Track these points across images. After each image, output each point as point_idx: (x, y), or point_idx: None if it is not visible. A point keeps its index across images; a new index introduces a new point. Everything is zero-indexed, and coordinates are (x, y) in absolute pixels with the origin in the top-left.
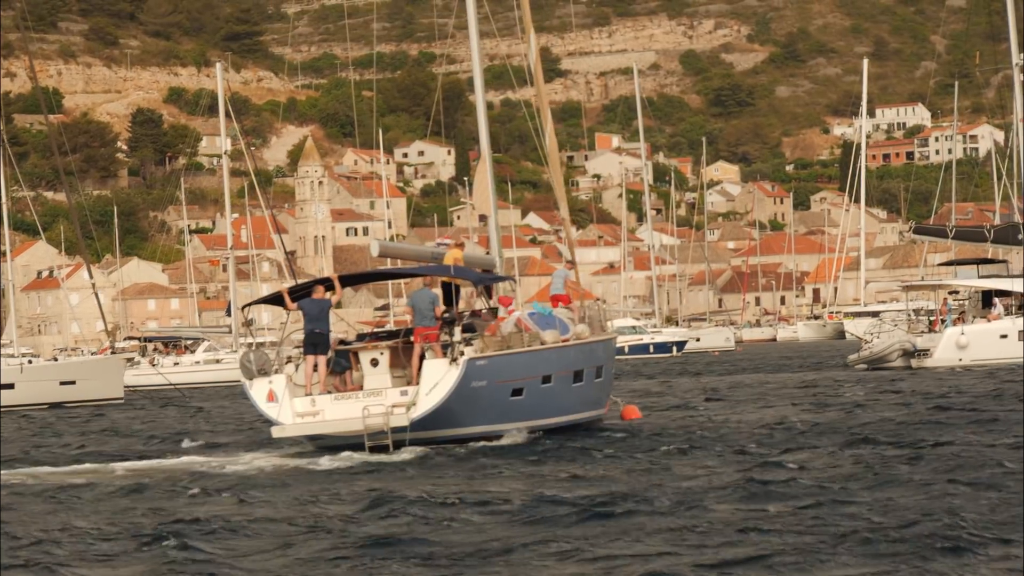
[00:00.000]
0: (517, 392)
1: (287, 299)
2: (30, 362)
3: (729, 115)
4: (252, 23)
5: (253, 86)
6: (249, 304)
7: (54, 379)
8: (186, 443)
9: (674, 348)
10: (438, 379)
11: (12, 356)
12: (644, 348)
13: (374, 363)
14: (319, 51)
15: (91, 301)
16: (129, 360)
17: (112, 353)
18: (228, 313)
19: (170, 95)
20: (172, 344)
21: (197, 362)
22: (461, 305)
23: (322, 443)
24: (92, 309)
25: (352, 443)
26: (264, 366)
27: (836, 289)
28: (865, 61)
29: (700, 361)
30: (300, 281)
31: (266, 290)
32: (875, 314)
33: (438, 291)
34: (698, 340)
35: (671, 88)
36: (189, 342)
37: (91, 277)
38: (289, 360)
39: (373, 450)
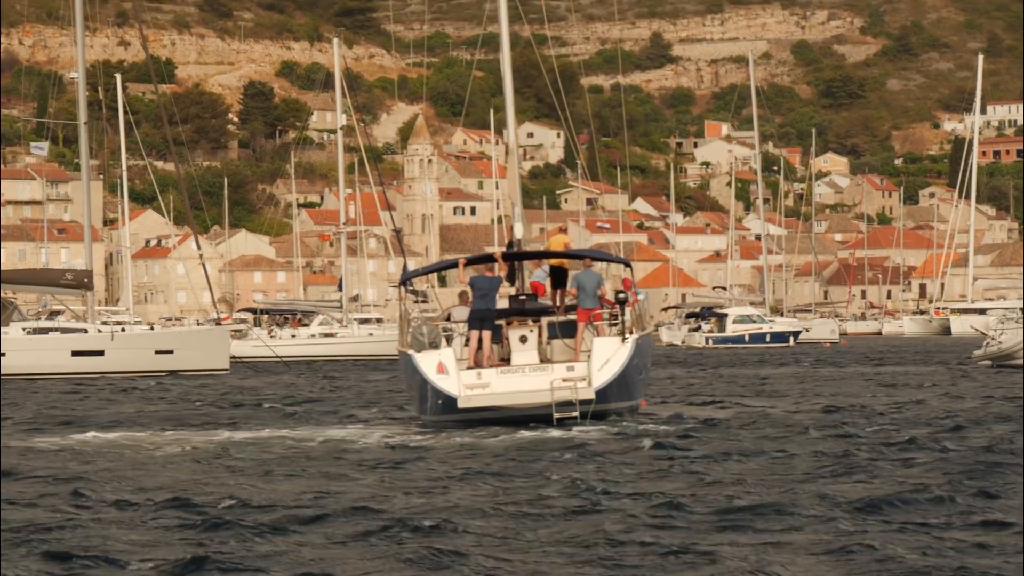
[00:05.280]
0: (640, 371)
1: (462, 270)
2: (122, 330)
3: (839, 107)
4: None
5: (365, 62)
6: (415, 274)
7: (148, 348)
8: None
9: (791, 338)
10: (609, 355)
11: (105, 323)
12: (762, 337)
13: (523, 340)
14: (431, 29)
15: (198, 271)
16: (237, 332)
17: (218, 323)
18: (339, 288)
19: (282, 68)
20: (285, 317)
21: (312, 335)
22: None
23: (487, 415)
24: (199, 279)
25: (521, 416)
26: (435, 339)
27: (943, 285)
28: (980, 57)
29: (819, 352)
30: (472, 255)
31: (372, 267)
32: (982, 311)
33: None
34: (807, 331)
35: (782, 78)
36: (300, 315)
37: (199, 248)
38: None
39: (560, 422)
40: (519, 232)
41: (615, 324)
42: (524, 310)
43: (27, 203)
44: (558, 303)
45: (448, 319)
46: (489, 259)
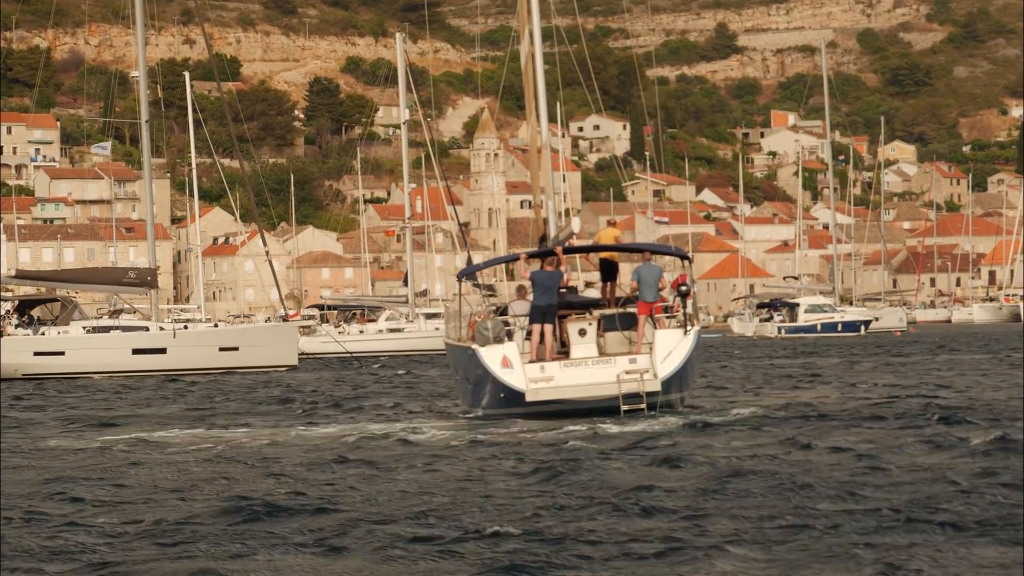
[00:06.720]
0: (696, 363)
1: (523, 265)
2: (185, 327)
3: (906, 95)
4: None
5: (430, 57)
6: (474, 268)
7: (212, 345)
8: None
9: (862, 327)
10: (672, 347)
11: (174, 321)
12: (833, 326)
13: (582, 333)
14: (496, 23)
15: (266, 268)
16: (305, 328)
17: (285, 320)
18: (405, 283)
19: (347, 65)
20: (352, 313)
21: (380, 331)
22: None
23: (553, 408)
24: (267, 276)
25: (587, 409)
26: (500, 334)
27: (1012, 272)
28: None
29: (892, 341)
30: (532, 250)
31: (439, 262)
32: None
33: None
34: (877, 320)
35: (848, 67)
36: (367, 311)
37: (265, 245)
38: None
39: (627, 413)
40: (576, 227)
41: (672, 317)
42: (573, 303)
43: (95, 202)
44: (608, 296)
45: (503, 313)
46: (549, 253)
